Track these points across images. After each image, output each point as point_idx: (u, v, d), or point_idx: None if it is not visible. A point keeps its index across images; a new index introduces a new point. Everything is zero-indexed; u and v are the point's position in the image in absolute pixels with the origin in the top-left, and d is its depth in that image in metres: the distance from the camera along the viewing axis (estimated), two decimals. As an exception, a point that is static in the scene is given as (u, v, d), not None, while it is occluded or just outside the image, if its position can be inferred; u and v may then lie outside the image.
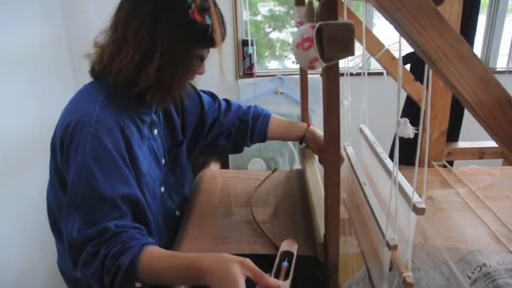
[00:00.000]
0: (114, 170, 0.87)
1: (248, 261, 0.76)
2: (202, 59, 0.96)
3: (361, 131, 1.03)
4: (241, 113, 1.30)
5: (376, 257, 0.82)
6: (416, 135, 0.61)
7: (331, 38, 0.60)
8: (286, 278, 0.80)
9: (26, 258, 1.75)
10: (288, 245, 0.89)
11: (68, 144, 0.87)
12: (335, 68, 0.66)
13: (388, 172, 0.76)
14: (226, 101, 1.31)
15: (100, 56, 0.93)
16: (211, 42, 0.91)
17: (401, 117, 0.63)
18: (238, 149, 1.33)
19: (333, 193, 0.77)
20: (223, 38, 0.94)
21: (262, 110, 1.34)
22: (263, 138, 1.32)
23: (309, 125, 1.33)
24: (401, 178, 0.69)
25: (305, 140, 1.32)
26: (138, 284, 0.83)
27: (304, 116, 1.46)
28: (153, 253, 0.83)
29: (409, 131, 0.58)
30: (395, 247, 0.69)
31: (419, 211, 0.63)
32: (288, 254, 0.87)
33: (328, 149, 0.74)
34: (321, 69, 0.70)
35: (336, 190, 0.77)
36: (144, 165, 0.96)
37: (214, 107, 1.26)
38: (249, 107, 1.32)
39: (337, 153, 0.75)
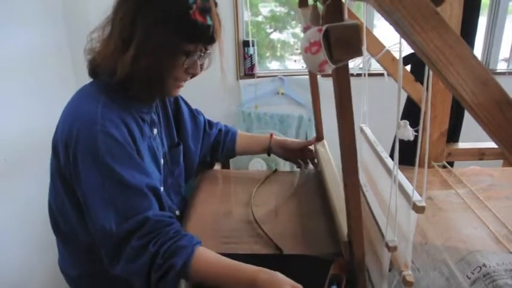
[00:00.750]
0: (129, 161, 0.88)
1: (300, 286, 0.78)
2: (188, 54, 0.92)
3: (361, 130, 1.03)
4: (217, 128, 1.36)
5: (375, 257, 0.82)
6: (416, 136, 0.61)
7: (338, 39, 0.60)
8: None
9: (26, 258, 1.76)
10: (337, 268, 0.89)
11: (75, 145, 0.86)
12: (345, 69, 0.65)
13: (389, 171, 0.76)
14: (204, 117, 1.35)
15: (93, 51, 0.94)
16: (196, 36, 0.89)
17: (401, 119, 0.63)
18: (211, 165, 1.42)
19: (353, 191, 0.77)
20: (214, 35, 0.91)
21: (230, 127, 1.40)
22: (231, 154, 1.38)
23: (271, 136, 1.38)
24: (401, 177, 0.69)
25: (272, 150, 1.37)
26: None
27: (318, 118, 1.45)
28: (204, 257, 0.86)
29: (409, 133, 0.59)
30: (394, 248, 0.69)
31: (419, 209, 0.63)
32: (336, 277, 0.87)
33: (344, 148, 0.73)
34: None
35: (355, 188, 0.76)
36: (145, 164, 0.96)
37: (201, 119, 1.30)
38: (219, 123, 1.38)
39: (354, 153, 0.74)
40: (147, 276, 0.84)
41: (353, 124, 0.70)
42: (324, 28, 0.61)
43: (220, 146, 1.35)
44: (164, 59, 0.89)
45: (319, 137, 1.45)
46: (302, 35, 0.71)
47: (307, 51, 0.64)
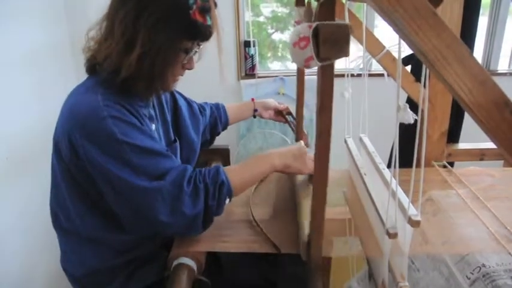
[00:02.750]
0: (144, 134, 0.92)
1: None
2: (187, 51, 0.95)
3: (360, 140, 1.04)
4: (210, 108, 1.43)
5: (377, 250, 0.82)
6: (415, 136, 0.61)
7: (327, 38, 0.61)
8: None
9: (28, 257, 1.76)
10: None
11: (82, 137, 0.87)
12: (330, 68, 0.66)
13: (386, 183, 0.76)
14: (195, 102, 1.40)
15: (91, 48, 0.96)
16: (197, 35, 0.92)
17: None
18: (212, 142, 1.48)
19: (320, 193, 0.78)
20: (211, 31, 0.94)
21: (216, 103, 1.49)
22: (226, 125, 1.49)
23: (253, 100, 1.53)
24: (399, 192, 0.70)
25: (258, 113, 1.52)
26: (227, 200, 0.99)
27: (299, 114, 1.47)
28: (230, 169, 1.02)
29: (409, 116, 0.58)
30: (395, 235, 0.69)
31: (414, 224, 0.64)
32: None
33: (318, 147, 0.74)
34: (316, 69, 0.71)
35: (323, 189, 0.78)
36: None
37: (194, 105, 1.35)
38: (207, 103, 1.45)
39: (327, 152, 0.76)
40: (205, 207, 0.94)
41: (330, 123, 0.73)
42: (314, 25, 0.62)
43: (218, 122, 1.44)
44: (167, 58, 0.91)
45: (298, 137, 1.48)
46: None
47: (296, 45, 0.65)
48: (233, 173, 1.00)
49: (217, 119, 1.44)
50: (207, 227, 0.98)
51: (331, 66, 0.66)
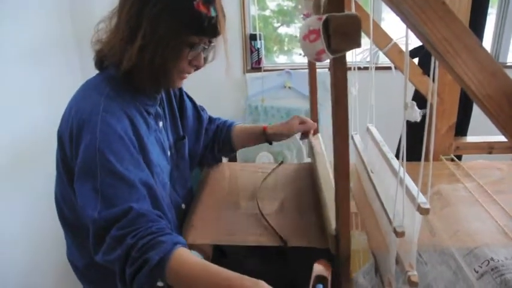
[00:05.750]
0: (126, 154, 0.87)
1: None
2: (192, 46, 0.93)
3: (367, 130, 1.03)
4: (216, 124, 1.34)
5: (383, 245, 0.82)
6: (423, 130, 0.61)
7: (337, 30, 0.60)
8: None
9: (36, 251, 1.77)
10: (320, 269, 0.88)
11: (77, 135, 0.87)
12: (342, 60, 0.66)
13: (394, 172, 0.76)
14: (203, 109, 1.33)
15: (100, 42, 0.95)
16: (200, 29, 0.90)
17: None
18: (216, 159, 1.39)
19: (342, 186, 0.77)
20: (218, 26, 0.92)
21: (227, 121, 1.36)
22: (230, 149, 1.34)
23: (264, 128, 1.32)
24: (407, 178, 0.69)
25: (271, 138, 1.32)
26: (160, 284, 0.79)
27: (313, 110, 1.45)
28: (184, 257, 0.80)
29: (416, 114, 0.58)
30: (402, 234, 0.69)
31: (423, 211, 0.63)
32: (321, 278, 0.86)
33: (336, 141, 0.74)
34: (329, 62, 0.70)
35: (345, 182, 0.77)
36: (154, 156, 0.97)
37: (203, 115, 1.29)
38: (218, 119, 1.36)
39: (346, 146, 0.74)
40: (123, 271, 0.80)
41: (347, 117, 0.70)
42: (324, 17, 0.61)
43: (216, 144, 1.32)
44: (169, 50, 0.90)
45: (315, 130, 1.45)
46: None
47: (306, 38, 0.64)
48: (182, 263, 0.79)
49: (216, 141, 1.32)
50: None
51: (343, 58, 0.66)
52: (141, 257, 0.78)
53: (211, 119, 1.34)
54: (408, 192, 0.68)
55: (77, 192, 0.87)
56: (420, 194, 0.65)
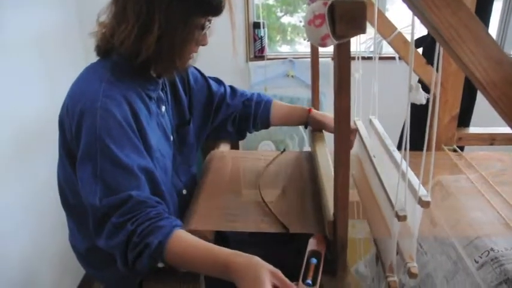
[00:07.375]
0: (125, 140, 0.88)
1: (279, 272, 0.76)
2: (202, 27, 0.95)
3: (370, 122, 1.03)
4: (245, 98, 1.31)
5: (386, 231, 0.82)
6: (426, 120, 0.60)
7: (343, 15, 0.60)
8: (314, 275, 0.81)
9: (39, 236, 1.79)
10: (315, 244, 0.90)
11: (78, 120, 0.88)
12: (346, 46, 0.65)
13: (396, 164, 0.76)
14: (231, 86, 1.32)
15: (103, 32, 0.95)
16: (209, 10, 0.92)
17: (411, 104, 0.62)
18: (241, 135, 1.36)
19: (342, 171, 0.77)
20: (222, 3, 0.93)
21: (264, 96, 1.35)
22: (266, 124, 1.34)
23: (310, 110, 1.33)
24: (409, 173, 0.69)
25: (312, 122, 1.33)
26: (160, 264, 0.84)
27: (315, 98, 1.45)
28: (183, 238, 0.83)
29: (421, 97, 0.58)
30: (404, 217, 0.69)
31: (424, 204, 0.64)
32: (315, 253, 0.87)
33: (338, 128, 0.73)
34: (332, 52, 0.70)
35: (345, 170, 0.77)
36: (154, 141, 0.97)
37: (220, 89, 1.28)
38: (252, 93, 1.34)
39: (347, 133, 0.74)
40: (124, 255, 0.84)
41: (349, 103, 0.70)
42: (329, 2, 0.61)
43: (251, 115, 1.30)
44: (185, 36, 0.91)
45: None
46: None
47: (311, 23, 0.64)
48: (180, 245, 0.82)
49: (251, 116, 1.30)
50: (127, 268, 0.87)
51: (348, 44, 0.65)
52: (142, 242, 0.82)
53: (234, 93, 1.31)
54: (409, 184, 0.68)
55: (78, 177, 0.89)
56: (421, 186, 0.65)
